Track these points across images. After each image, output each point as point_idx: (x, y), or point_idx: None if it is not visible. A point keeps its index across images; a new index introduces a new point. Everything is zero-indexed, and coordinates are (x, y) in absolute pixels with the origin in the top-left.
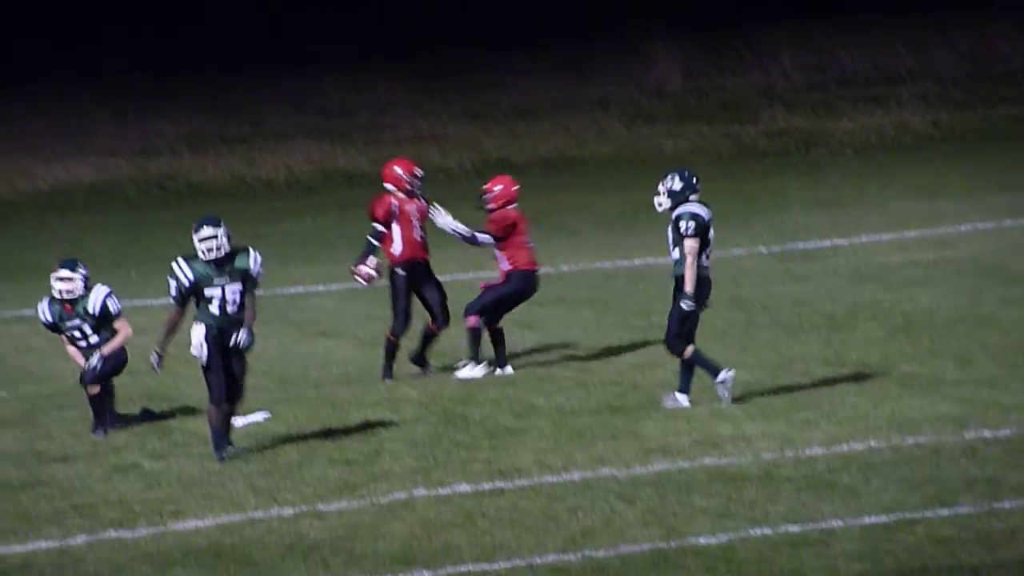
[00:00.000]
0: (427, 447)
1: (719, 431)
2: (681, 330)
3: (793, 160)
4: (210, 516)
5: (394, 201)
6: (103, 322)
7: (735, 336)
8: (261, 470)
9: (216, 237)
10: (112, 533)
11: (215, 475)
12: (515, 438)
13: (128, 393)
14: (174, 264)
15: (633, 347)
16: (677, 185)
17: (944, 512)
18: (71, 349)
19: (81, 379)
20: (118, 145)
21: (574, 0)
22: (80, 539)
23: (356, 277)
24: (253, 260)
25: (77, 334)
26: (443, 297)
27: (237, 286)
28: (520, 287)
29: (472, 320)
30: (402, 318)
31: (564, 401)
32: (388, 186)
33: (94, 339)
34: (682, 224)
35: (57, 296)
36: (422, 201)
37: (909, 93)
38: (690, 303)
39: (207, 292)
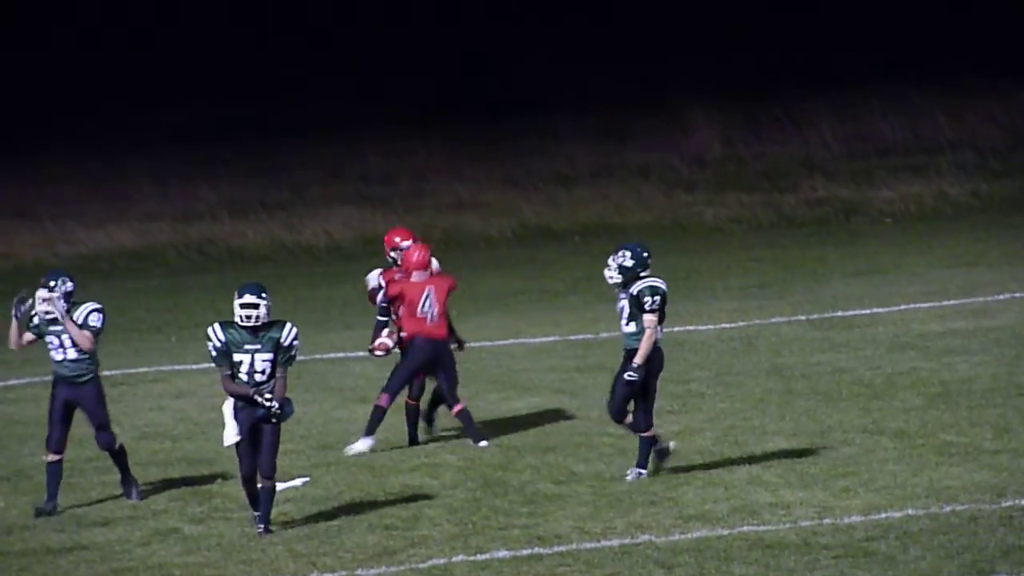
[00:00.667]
0: (466, 513)
1: (757, 498)
2: (625, 401)
3: (833, 229)
4: None
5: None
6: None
7: (774, 404)
8: (300, 535)
9: (257, 307)
10: None
11: (254, 540)
12: (554, 504)
13: (168, 458)
14: (209, 329)
15: (672, 414)
16: (628, 262)
17: None
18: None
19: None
20: (159, 210)
21: (615, 68)
22: None
23: (375, 352)
24: (287, 332)
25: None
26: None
27: (268, 355)
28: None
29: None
30: (415, 383)
31: (603, 468)
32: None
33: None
34: (646, 300)
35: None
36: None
37: (948, 163)
38: (635, 375)
39: (236, 357)
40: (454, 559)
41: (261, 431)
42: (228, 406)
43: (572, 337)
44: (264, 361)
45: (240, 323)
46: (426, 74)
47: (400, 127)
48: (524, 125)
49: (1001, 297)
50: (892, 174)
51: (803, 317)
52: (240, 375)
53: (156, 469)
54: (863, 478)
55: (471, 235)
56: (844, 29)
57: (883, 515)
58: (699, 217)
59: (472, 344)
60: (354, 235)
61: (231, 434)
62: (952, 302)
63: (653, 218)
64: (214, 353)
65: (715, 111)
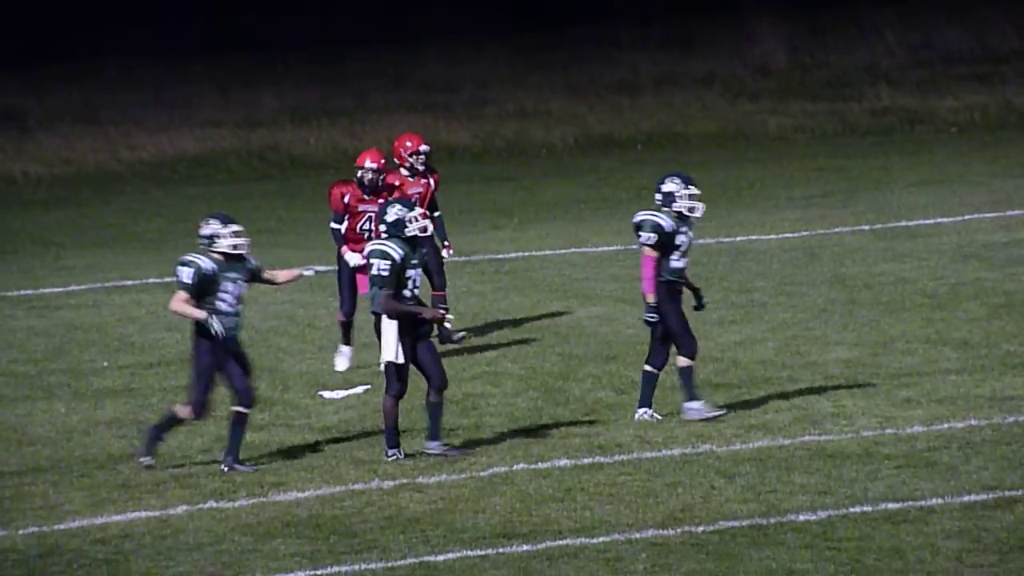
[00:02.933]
0: (527, 421)
1: (819, 408)
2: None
3: (897, 138)
4: (310, 488)
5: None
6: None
7: (836, 314)
8: (361, 443)
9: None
10: (212, 503)
11: (315, 447)
12: (615, 413)
13: None
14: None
15: (734, 323)
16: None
17: None
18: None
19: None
20: (221, 117)
21: None
22: (180, 509)
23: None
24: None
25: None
26: (439, 261)
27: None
28: None
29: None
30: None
31: (664, 376)
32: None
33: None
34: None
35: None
36: (427, 179)
37: (1014, 72)
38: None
39: (407, 273)
40: (515, 467)
41: (420, 348)
42: (392, 325)
43: (634, 246)
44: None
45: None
46: None
47: (462, 35)
48: (587, 33)
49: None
50: (957, 83)
51: (866, 227)
52: (405, 292)
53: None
54: (925, 388)
55: (533, 143)
56: None
57: (945, 425)
58: (763, 126)
59: (535, 253)
60: None
61: (392, 353)
62: (1017, 212)
63: (716, 127)
64: (386, 273)
65: (780, 19)
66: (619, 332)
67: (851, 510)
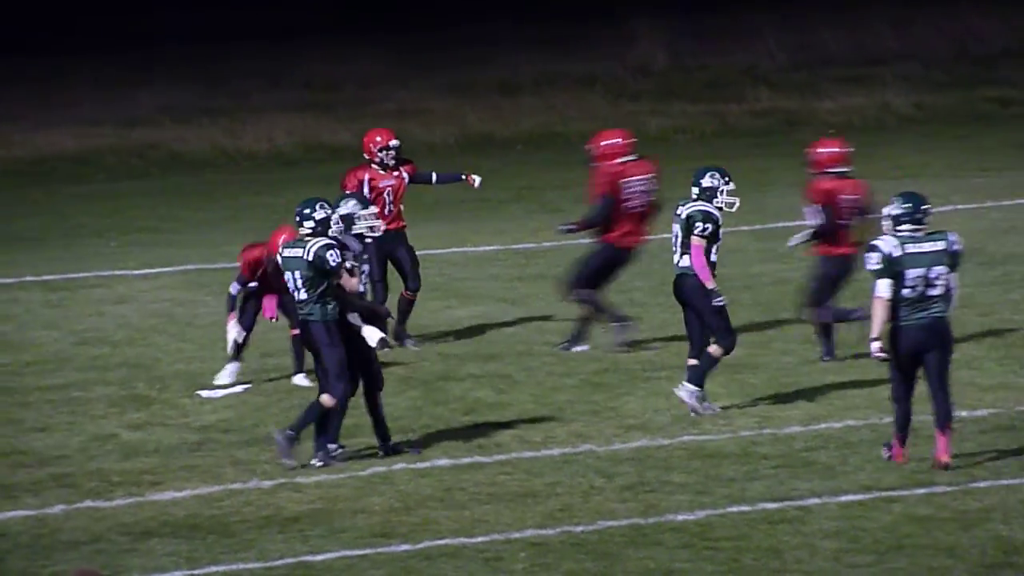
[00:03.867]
0: (407, 421)
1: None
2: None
3: (776, 140)
4: (188, 487)
5: (367, 175)
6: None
7: None
8: (240, 441)
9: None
10: (89, 503)
11: (193, 446)
12: (495, 413)
13: (107, 364)
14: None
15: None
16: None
17: (920, 491)
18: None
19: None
20: (100, 115)
21: None
22: (57, 509)
23: None
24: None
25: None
26: (415, 262)
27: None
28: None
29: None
30: (379, 288)
31: (544, 377)
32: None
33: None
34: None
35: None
36: (399, 173)
37: (892, 74)
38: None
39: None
40: (394, 467)
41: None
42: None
43: (514, 246)
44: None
45: (367, 233)
46: None
47: (342, 34)
48: (467, 33)
49: (944, 209)
50: (836, 85)
51: (745, 228)
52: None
53: (95, 374)
54: (803, 388)
55: (414, 143)
56: None
57: (823, 425)
58: (643, 127)
59: (417, 252)
60: (296, 142)
61: (376, 339)
62: None
63: (597, 127)
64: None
65: (660, 20)
66: (499, 331)
67: (729, 510)
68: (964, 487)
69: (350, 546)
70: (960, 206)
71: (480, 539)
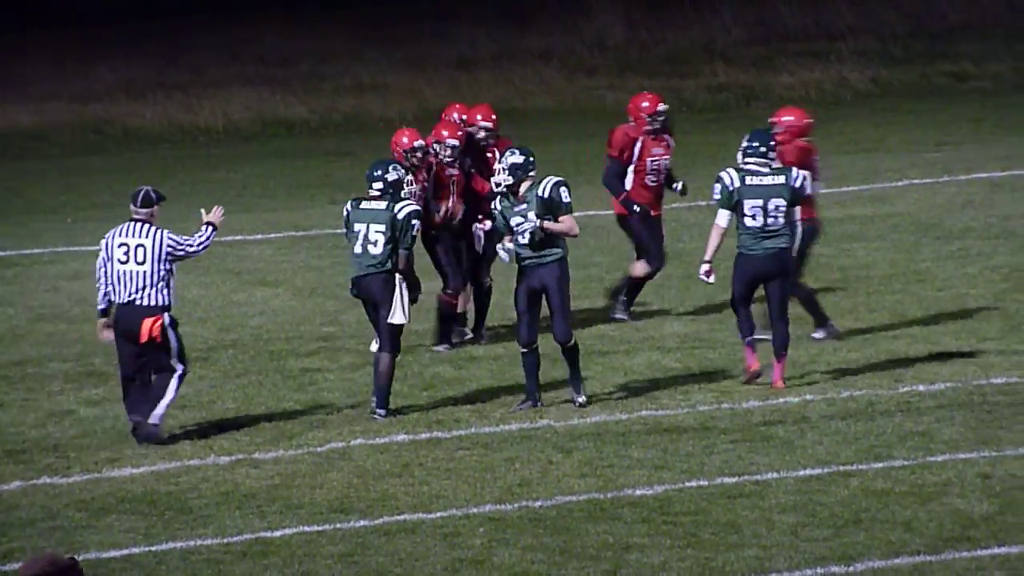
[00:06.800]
0: (365, 396)
1: (656, 383)
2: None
3: (733, 115)
4: (145, 463)
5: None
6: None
7: (674, 289)
8: (198, 418)
9: None
10: (46, 479)
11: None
12: (454, 388)
13: (63, 340)
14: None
15: (572, 298)
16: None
17: (878, 465)
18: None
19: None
20: (56, 91)
21: None
22: (14, 485)
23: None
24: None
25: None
26: (459, 260)
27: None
28: None
29: None
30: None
31: (503, 351)
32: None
33: None
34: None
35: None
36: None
37: (849, 49)
38: None
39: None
40: (352, 443)
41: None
42: (404, 288)
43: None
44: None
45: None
46: None
47: (300, 9)
48: (425, 8)
49: (900, 184)
50: (793, 60)
51: (702, 202)
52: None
53: (50, 350)
54: (762, 363)
55: (372, 118)
56: None
57: (781, 400)
58: (600, 101)
59: None
60: (252, 117)
61: (402, 316)
62: (851, 188)
63: (554, 102)
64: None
65: None
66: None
67: (687, 484)
68: (921, 461)
69: (307, 522)
70: (916, 181)
71: (438, 515)
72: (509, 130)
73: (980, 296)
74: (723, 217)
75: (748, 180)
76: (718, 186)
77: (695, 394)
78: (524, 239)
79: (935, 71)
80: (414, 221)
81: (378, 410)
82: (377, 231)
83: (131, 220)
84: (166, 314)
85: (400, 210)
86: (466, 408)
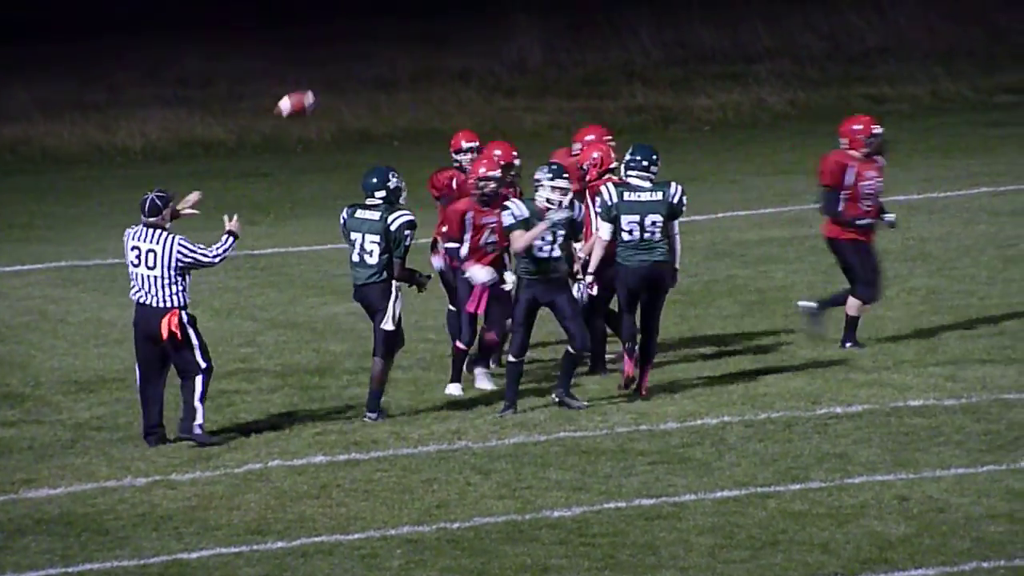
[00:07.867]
0: (283, 418)
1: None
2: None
3: (651, 136)
4: (62, 485)
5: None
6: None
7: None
8: (114, 439)
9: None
10: None
11: (67, 444)
12: None
13: None
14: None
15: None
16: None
17: (796, 487)
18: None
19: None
20: None
21: None
22: None
23: None
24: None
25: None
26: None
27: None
28: None
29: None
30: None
31: (421, 374)
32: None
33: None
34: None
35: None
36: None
37: (767, 71)
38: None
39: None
40: (270, 464)
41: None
42: (399, 296)
43: None
44: None
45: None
46: None
47: (218, 29)
48: (344, 29)
49: (817, 205)
50: (711, 82)
51: None
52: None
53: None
54: (679, 385)
55: (290, 139)
56: None
57: (699, 422)
58: (518, 123)
59: (291, 249)
60: (171, 137)
61: (392, 323)
62: (769, 210)
63: (473, 123)
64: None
65: (536, 17)
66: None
67: (605, 506)
68: (839, 483)
69: (225, 543)
70: None
71: (356, 536)
72: (427, 151)
73: (897, 319)
74: (605, 230)
75: (626, 196)
76: (599, 200)
77: (613, 415)
78: (556, 252)
79: (852, 94)
80: (407, 232)
81: (369, 413)
82: (372, 241)
83: (142, 225)
84: (182, 311)
85: (393, 221)
86: (384, 429)
